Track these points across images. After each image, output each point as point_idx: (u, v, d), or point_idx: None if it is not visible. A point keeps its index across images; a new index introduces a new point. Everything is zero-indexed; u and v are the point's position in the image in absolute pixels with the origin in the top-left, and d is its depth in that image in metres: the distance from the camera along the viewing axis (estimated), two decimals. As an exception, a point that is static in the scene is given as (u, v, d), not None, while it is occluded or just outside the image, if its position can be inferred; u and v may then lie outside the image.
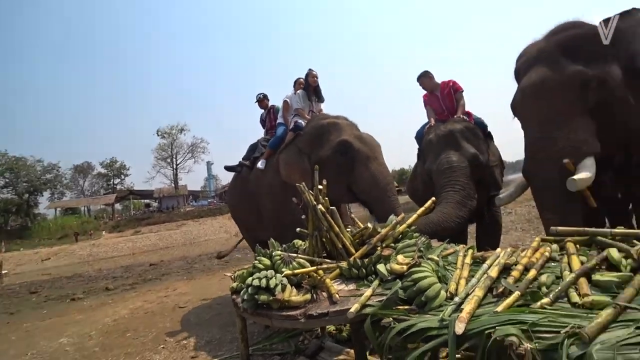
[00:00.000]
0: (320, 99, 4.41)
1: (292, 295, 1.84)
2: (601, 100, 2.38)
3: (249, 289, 1.86)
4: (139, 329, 4.45)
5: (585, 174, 2.25)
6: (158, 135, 40.71)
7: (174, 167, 41.51)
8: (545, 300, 1.31)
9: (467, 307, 1.30)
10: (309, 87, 4.28)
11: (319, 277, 1.91)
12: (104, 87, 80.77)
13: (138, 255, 21.24)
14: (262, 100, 5.15)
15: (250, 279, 1.88)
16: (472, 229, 3.90)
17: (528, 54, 2.72)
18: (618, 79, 2.38)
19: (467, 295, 1.46)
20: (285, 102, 4.41)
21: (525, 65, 2.70)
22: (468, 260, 1.84)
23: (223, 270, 8.38)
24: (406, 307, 1.52)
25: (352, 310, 1.58)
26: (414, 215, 2.42)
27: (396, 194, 3.51)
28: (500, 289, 1.45)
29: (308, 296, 1.83)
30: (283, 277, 1.89)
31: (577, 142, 2.33)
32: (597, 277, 1.37)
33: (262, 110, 5.20)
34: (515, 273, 1.56)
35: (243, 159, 4.77)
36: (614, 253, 1.47)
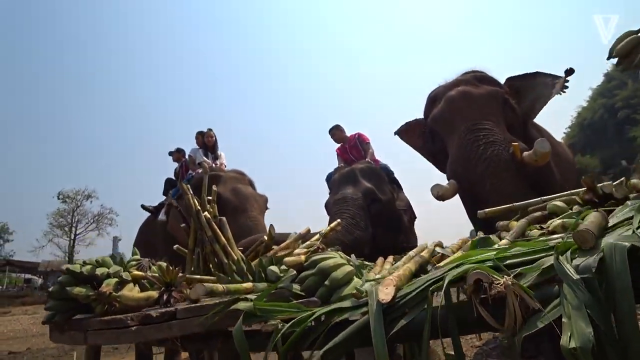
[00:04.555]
0: (216, 156, 4.83)
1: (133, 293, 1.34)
2: (509, 121, 2.78)
3: (58, 283, 1.32)
4: None
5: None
6: (59, 199, 35.15)
7: (72, 237, 35.89)
8: (504, 241, 1.15)
9: (395, 273, 1.01)
10: (206, 145, 4.77)
11: (175, 272, 1.40)
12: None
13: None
14: (174, 153, 5.35)
15: (65, 265, 1.38)
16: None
17: (444, 86, 3.03)
18: (519, 112, 2.89)
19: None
20: (190, 156, 4.81)
21: (443, 90, 2.98)
22: (390, 259, 1.67)
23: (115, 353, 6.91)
24: (303, 300, 1.12)
25: (199, 291, 1.10)
26: (317, 234, 2.15)
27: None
28: (439, 256, 1.22)
29: (153, 293, 1.33)
30: (124, 273, 1.40)
31: (509, 138, 2.56)
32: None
33: (176, 164, 5.36)
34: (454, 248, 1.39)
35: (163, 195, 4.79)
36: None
